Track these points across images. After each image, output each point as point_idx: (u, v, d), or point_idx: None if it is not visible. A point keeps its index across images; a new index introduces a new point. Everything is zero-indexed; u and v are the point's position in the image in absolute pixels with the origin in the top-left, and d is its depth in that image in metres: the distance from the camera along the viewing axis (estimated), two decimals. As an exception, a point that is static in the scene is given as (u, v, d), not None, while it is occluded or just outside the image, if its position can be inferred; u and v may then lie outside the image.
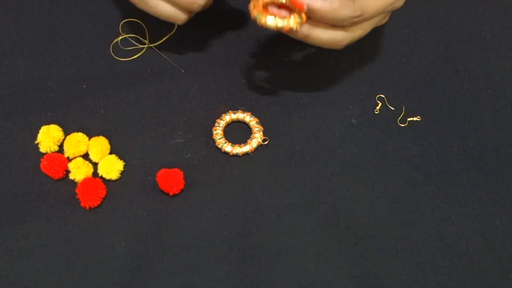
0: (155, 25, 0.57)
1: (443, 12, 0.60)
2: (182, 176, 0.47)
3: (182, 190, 0.47)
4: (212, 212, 0.47)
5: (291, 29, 0.41)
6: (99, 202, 0.46)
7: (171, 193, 0.46)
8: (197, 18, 0.58)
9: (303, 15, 0.41)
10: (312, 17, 0.42)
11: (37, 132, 0.49)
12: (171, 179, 0.46)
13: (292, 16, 0.41)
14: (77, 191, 0.46)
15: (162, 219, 0.46)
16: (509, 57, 0.57)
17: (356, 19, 0.43)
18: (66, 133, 0.49)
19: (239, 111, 0.51)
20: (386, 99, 0.53)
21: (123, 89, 0.53)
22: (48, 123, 0.49)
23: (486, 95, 0.54)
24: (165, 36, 0.55)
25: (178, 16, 0.47)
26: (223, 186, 0.48)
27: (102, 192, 0.46)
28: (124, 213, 0.46)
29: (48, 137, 0.48)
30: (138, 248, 0.45)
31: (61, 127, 0.49)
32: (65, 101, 0.52)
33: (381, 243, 0.46)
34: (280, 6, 0.43)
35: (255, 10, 0.42)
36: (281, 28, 0.41)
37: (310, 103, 0.53)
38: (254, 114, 0.51)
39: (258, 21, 0.41)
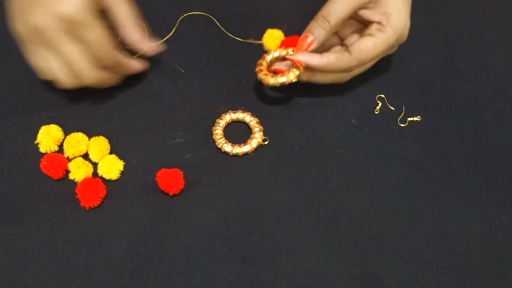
0: (155, 25, 0.57)
1: (443, 12, 0.60)
2: (182, 176, 0.47)
3: (182, 190, 0.47)
4: (212, 212, 0.47)
5: (291, 81, 0.47)
6: (99, 202, 0.46)
7: (171, 193, 0.46)
8: (197, 18, 0.58)
9: (301, 67, 0.47)
10: (313, 70, 0.47)
11: (37, 132, 0.49)
12: (171, 179, 0.46)
13: (291, 71, 0.47)
14: (77, 191, 0.46)
15: (162, 219, 0.46)
16: (509, 57, 0.57)
17: (355, 68, 0.46)
18: (66, 133, 0.49)
19: (239, 111, 0.51)
20: (386, 99, 0.53)
21: (123, 89, 0.53)
22: (48, 123, 0.49)
23: (486, 95, 0.54)
24: (164, 37, 0.55)
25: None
26: (223, 186, 0.48)
27: (102, 192, 0.46)
28: (124, 213, 0.46)
29: (48, 137, 0.48)
30: (138, 248, 0.45)
31: (61, 127, 0.49)
32: (65, 101, 0.52)
33: (381, 243, 0.46)
34: (283, 59, 0.49)
35: (260, 74, 0.48)
36: (284, 83, 0.47)
37: (310, 103, 0.53)
38: (254, 114, 0.51)
39: (263, 82, 0.48)
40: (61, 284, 0.43)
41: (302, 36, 0.47)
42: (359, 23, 0.49)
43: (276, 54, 0.49)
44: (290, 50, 0.48)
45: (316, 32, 0.46)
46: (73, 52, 0.43)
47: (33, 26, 0.42)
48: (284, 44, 0.52)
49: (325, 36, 0.46)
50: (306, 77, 0.48)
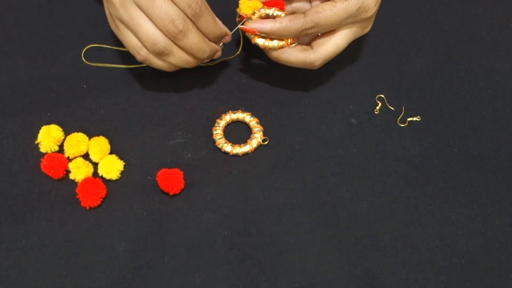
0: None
1: (443, 12, 0.60)
2: (182, 176, 0.47)
3: (182, 190, 0.47)
4: (212, 212, 0.47)
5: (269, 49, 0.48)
6: (99, 202, 0.46)
7: (171, 193, 0.46)
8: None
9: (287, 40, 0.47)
10: (272, 36, 0.47)
11: (37, 132, 0.49)
12: (171, 179, 0.46)
13: (280, 42, 0.47)
14: (77, 191, 0.46)
15: (162, 219, 0.46)
16: (509, 57, 0.57)
17: (310, 31, 0.46)
18: (66, 133, 0.49)
19: (239, 111, 0.51)
20: (386, 99, 0.53)
21: (123, 89, 0.53)
22: (48, 123, 0.49)
23: (486, 95, 0.54)
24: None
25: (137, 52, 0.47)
26: (223, 186, 0.48)
27: (102, 192, 0.46)
28: (124, 213, 0.46)
29: (48, 137, 0.48)
30: (138, 248, 0.45)
31: (61, 127, 0.49)
32: (65, 101, 0.52)
33: (381, 243, 0.46)
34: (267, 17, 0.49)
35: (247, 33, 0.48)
36: (272, 47, 0.47)
37: (310, 103, 0.53)
38: (254, 114, 0.51)
39: (252, 40, 0.48)
40: (61, 284, 0.43)
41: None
42: None
43: (263, 12, 0.48)
44: (274, 10, 0.48)
45: None
46: (144, 27, 0.44)
47: (114, 12, 0.45)
48: (266, 3, 0.50)
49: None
50: (275, 55, 0.48)
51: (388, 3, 0.59)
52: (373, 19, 0.48)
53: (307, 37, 0.49)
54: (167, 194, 0.47)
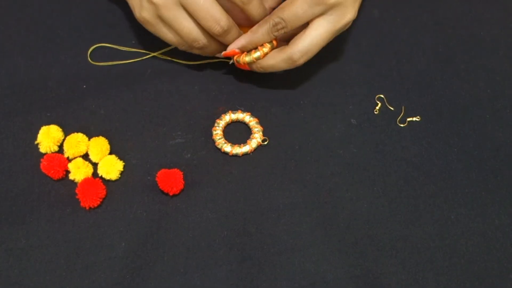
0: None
1: (443, 12, 0.60)
2: (182, 176, 0.47)
3: (182, 190, 0.47)
4: (212, 212, 0.47)
5: (266, 54, 0.49)
6: (99, 202, 0.46)
7: (171, 193, 0.46)
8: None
9: (273, 42, 0.49)
10: (250, 47, 0.49)
11: (37, 132, 0.49)
12: (171, 179, 0.46)
13: (263, 47, 0.49)
14: (77, 191, 0.46)
15: (162, 219, 0.46)
16: (509, 57, 0.57)
17: (279, 26, 0.47)
18: (66, 133, 0.49)
19: (239, 111, 0.51)
20: (386, 99, 0.53)
21: (123, 89, 0.53)
22: (48, 123, 0.49)
23: (486, 95, 0.54)
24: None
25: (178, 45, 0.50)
26: (223, 186, 0.48)
27: (102, 192, 0.46)
28: (124, 213, 0.46)
29: (48, 137, 0.48)
30: (138, 248, 0.45)
31: (61, 127, 0.49)
32: (65, 101, 0.52)
33: (381, 243, 0.46)
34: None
35: (234, 57, 0.50)
36: (259, 57, 0.49)
37: (310, 103, 0.53)
38: (254, 114, 0.51)
39: (240, 62, 0.49)
40: (61, 284, 0.43)
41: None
42: None
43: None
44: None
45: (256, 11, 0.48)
46: (187, 26, 0.48)
47: (154, 11, 0.47)
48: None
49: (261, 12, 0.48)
50: (259, 66, 0.49)
51: (388, 3, 0.59)
52: (349, 7, 0.47)
53: (284, 38, 0.50)
54: (167, 194, 0.47)
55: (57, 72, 0.53)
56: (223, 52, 0.50)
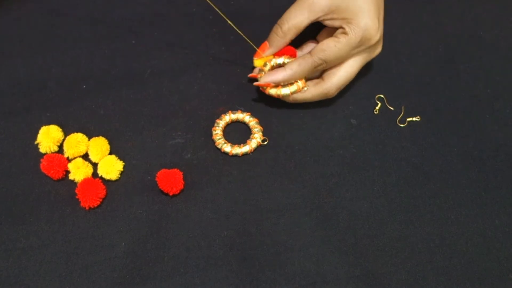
0: (155, 24, 0.57)
1: (443, 12, 0.60)
2: (181, 176, 0.47)
3: (182, 190, 0.47)
4: (212, 212, 0.47)
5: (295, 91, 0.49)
6: (99, 202, 0.46)
7: (171, 193, 0.46)
8: (197, 18, 0.59)
9: (301, 82, 0.49)
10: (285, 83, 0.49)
11: (37, 133, 0.49)
12: (170, 179, 0.46)
13: (294, 83, 0.49)
14: (77, 191, 0.46)
15: (162, 219, 0.46)
16: (509, 57, 0.57)
17: (319, 67, 0.48)
18: (66, 133, 0.49)
19: (239, 111, 0.51)
20: (386, 99, 0.53)
21: (123, 89, 0.53)
22: (48, 123, 0.49)
23: (486, 95, 0.54)
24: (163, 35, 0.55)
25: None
26: (223, 186, 0.48)
27: (102, 192, 0.46)
28: (124, 213, 0.46)
29: (48, 137, 0.48)
30: (138, 248, 0.45)
31: (61, 127, 0.49)
32: (65, 101, 0.52)
33: (381, 243, 0.46)
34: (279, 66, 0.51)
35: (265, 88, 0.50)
36: (294, 92, 0.49)
37: (310, 103, 0.53)
38: (253, 114, 0.51)
39: (266, 92, 0.50)
40: (61, 284, 0.43)
41: (262, 44, 0.50)
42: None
43: (273, 62, 0.50)
44: (284, 58, 0.50)
45: (271, 38, 0.50)
46: None
47: None
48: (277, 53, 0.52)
49: (278, 42, 0.50)
50: (291, 99, 0.50)
51: (388, 3, 0.59)
52: (381, 42, 0.50)
53: (318, 72, 0.50)
54: (167, 194, 0.47)
55: (57, 72, 0.53)
56: (256, 83, 0.50)
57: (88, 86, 0.53)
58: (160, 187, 0.46)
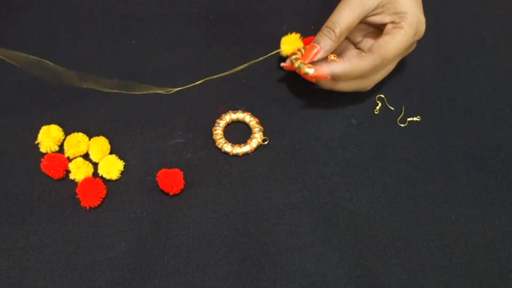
0: (154, 24, 0.57)
1: (443, 12, 0.60)
2: (182, 176, 0.47)
3: (182, 190, 0.47)
4: (212, 212, 0.47)
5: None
6: (99, 202, 0.46)
7: (171, 193, 0.46)
8: (197, 18, 0.59)
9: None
10: (341, 79, 0.47)
11: (37, 132, 0.49)
12: (171, 179, 0.46)
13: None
14: (77, 191, 0.46)
15: (162, 219, 0.46)
16: (509, 57, 0.57)
17: (381, 65, 0.47)
18: (66, 133, 0.49)
19: (239, 111, 0.51)
20: (386, 99, 0.53)
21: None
22: (48, 123, 0.49)
23: (486, 95, 0.54)
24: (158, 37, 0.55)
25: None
26: (223, 186, 0.48)
27: (102, 192, 0.46)
28: (124, 213, 0.46)
29: (49, 137, 0.48)
30: (138, 248, 0.45)
31: (61, 127, 0.49)
32: (65, 101, 0.52)
33: (381, 243, 0.46)
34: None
35: (296, 62, 0.48)
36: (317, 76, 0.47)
37: (310, 103, 0.53)
38: (254, 114, 0.51)
39: (299, 70, 0.47)
40: (61, 284, 0.43)
41: (309, 46, 0.48)
42: (370, 27, 0.50)
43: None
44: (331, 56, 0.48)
45: (323, 42, 0.47)
46: None
47: None
48: (306, 43, 0.50)
49: (331, 46, 0.47)
50: (329, 85, 0.48)
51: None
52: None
53: (374, 74, 0.49)
54: (167, 194, 0.47)
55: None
56: (312, 74, 0.47)
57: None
58: (160, 187, 0.46)
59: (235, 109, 0.52)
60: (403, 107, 0.53)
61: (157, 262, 0.44)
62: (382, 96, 0.53)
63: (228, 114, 0.51)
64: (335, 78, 0.47)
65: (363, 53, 0.47)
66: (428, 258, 0.45)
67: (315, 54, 0.47)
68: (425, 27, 0.48)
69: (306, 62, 0.47)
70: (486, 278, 0.44)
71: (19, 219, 0.46)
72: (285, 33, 0.51)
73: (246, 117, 0.51)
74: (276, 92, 0.53)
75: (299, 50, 0.49)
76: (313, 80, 0.48)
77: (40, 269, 0.44)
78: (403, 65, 0.56)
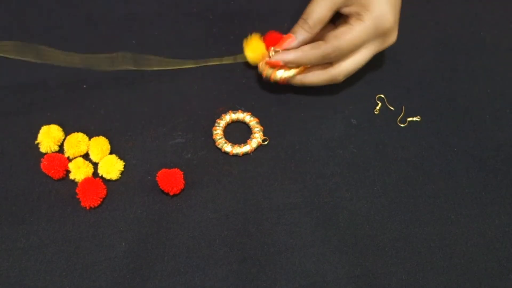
0: (154, 24, 0.57)
1: (443, 12, 0.60)
2: (182, 176, 0.47)
3: (182, 190, 0.47)
4: (212, 212, 0.47)
5: (290, 78, 0.50)
6: (99, 202, 0.46)
7: (171, 193, 0.46)
8: (197, 18, 0.59)
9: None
10: (295, 66, 0.49)
11: (37, 132, 0.49)
12: (171, 179, 0.46)
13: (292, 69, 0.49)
14: (77, 191, 0.46)
15: (162, 219, 0.46)
16: (509, 57, 0.57)
17: (332, 55, 0.47)
18: (66, 133, 0.49)
19: (239, 111, 0.51)
20: (386, 99, 0.53)
21: (123, 89, 0.53)
22: (48, 123, 0.49)
23: (485, 95, 0.54)
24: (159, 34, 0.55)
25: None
26: (223, 186, 0.48)
27: (102, 192, 0.46)
28: (124, 213, 0.46)
29: (49, 137, 0.48)
30: (138, 248, 0.45)
31: (61, 127, 0.49)
32: (65, 101, 0.52)
33: (381, 243, 0.46)
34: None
35: (265, 71, 0.50)
36: (285, 78, 0.50)
37: (310, 103, 0.53)
38: (254, 114, 0.51)
39: (270, 78, 0.50)
40: (61, 284, 0.43)
41: (285, 36, 0.50)
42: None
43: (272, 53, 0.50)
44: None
45: (298, 32, 0.49)
46: None
47: None
48: (267, 41, 0.52)
49: (305, 35, 0.49)
50: (298, 81, 0.50)
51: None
52: (395, 31, 0.49)
53: (329, 60, 0.50)
54: (167, 194, 0.47)
55: (57, 72, 0.53)
56: (267, 60, 0.49)
57: (89, 86, 0.53)
58: (160, 187, 0.46)
59: (235, 109, 0.52)
60: (403, 107, 0.53)
61: (157, 262, 0.44)
62: (382, 96, 0.53)
63: (228, 114, 0.51)
64: (287, 64, 0.49)
65: (318, 42, 0.48)
66: (428, 258, 0.45)
67: (289, 43, 0.49)
68: (390, 25, 0.47)
69: (280, 50, 0.49)
70: (486, 278, 0.44)
71: (19, 219, 0.46)
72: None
73: (246, 117, 0.51)
74: (276, 92, 0.53)
75: (271, 52, 0.50)
76: (285, 82, 0.50)
77: (40, 269, 0.44)
78: (403, 65, 0.56)
